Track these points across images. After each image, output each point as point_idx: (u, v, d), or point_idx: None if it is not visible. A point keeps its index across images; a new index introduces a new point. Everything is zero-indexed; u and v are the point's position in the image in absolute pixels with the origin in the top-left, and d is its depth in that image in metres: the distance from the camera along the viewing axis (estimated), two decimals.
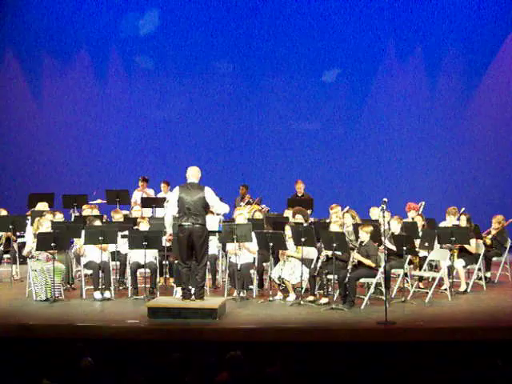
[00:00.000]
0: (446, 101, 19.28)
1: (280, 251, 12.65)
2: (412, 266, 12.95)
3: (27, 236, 13.49)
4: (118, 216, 14.31)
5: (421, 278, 13.24)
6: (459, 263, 13.04)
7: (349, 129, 19.58)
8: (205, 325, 10.68)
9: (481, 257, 13.32)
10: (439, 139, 19.24)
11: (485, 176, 18.86)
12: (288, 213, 14.34)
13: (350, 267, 11.77)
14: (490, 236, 13.94)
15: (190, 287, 11.26)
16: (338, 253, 11.89)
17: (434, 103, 19.31)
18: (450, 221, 13.84)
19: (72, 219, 15.13)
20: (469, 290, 13.08)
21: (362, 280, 12.14)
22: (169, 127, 19.80)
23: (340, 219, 13.46)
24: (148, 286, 12.79)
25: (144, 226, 13.13)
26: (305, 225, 13.06)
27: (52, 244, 12.12)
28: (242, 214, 13.41)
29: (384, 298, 11.41)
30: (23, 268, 13.89)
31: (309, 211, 14.77)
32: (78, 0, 19.78)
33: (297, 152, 19.48)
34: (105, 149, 19.68)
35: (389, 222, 12.55)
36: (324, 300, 12.14)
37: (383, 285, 11.95)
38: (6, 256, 14.61)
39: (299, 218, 13.39)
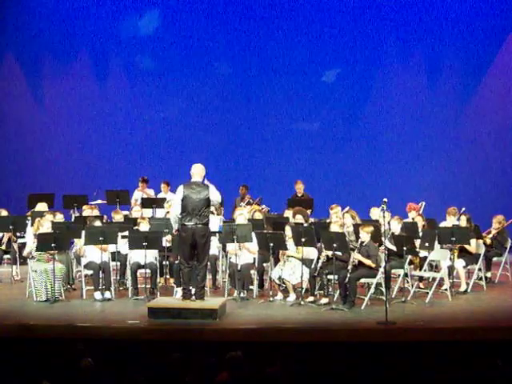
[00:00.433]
0: (446, 101, 19.26)
1: (280, 251, 12.65)
2: (412, 266, 12.95)
3: (27, 236, 13.50)
4: (118, 217, 14.32)
5: (421, 278, 13.25)
6: (459, 263, 13.05)
7: (349, 129, 19.56)
8: (205, 325, 10.68)
9: (481, 257, 13.33)
10: (439, 139, 19.23)
11: (485, 176, 18.85)
12: (288, 213, 14.33)
13: (350, 267, 11.77)
14: (490, 236, 13.94)
15: (191, 287, 11.25)
16: (339, 253, 11.89)
17: (435, 103, 19.30)
18: (450, 221, 13.84)
19: (72, 220, 15.13)
20: (469, 290, 13.09)
21: (363, 280, 12.15)
22: (169, 127, 19.79)
23: (340, 219, 13.46)
24: (148, 286, 12.79)
25: (144, 227, 13.14)
26: (305, 225, 13.05)
27: (52, 244, 12.12)
28: (243, 215, 13.42)
29: (384, 298, 11.41)
30: (23, 268, 13.89)
31: (309, 211, 14.77)
32: (78, 1, 19.76)
33: (297, 152, 19.46)
34: (105, 149, 19.67)
35: (389, 223, 12.55)
36: (324, 300, 12.14)
37: (383, 285, 11.95)
38: (6, 256, 14.61)
39: (299, 219, 13.39)
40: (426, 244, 12.74)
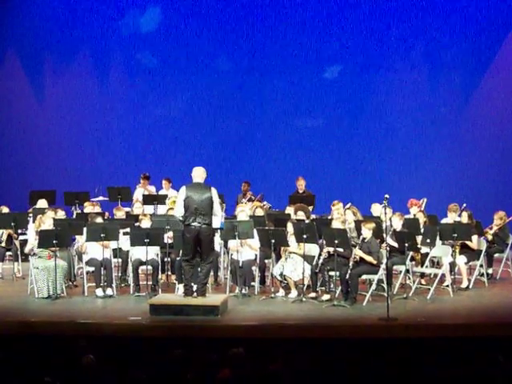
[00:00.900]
0: (448, 97, 19.24)
1: (282, 248, 12.66)
2: (414, 262, 12.96)
3: (29, 233, 13.50)
4: (120, 213, 14.33)
5: (423, 275, 13.24)
6: (461, 259, 13.05)
7: (350, 125, 19.54)
8: (207, 322, 10.69)
9: (482, 253, 13.32)
10: (441, 135, 19.20)
11: (487, 173, 18.82)
12: (290, 209, 14.32)
13: (351, 264, 11.78)
14: (491, 231, 13.93)
15: (193, 284, 11.26)
16: (340, 249, 11.89)
17: (436, 99, 19.27)
18: (451, 218, 13.84)
19: (74, 216, 15.14)
20: (471, 287, 13.09)
21: (364, 276, 12.13)
22: (170, 124, 19.77)
23: (342, 216, 13.45)
24: (150, 283, 12.79)
25: (146, 223, 13.14)
26: (306, 221, 13.05)
27: (54, 241, 12.12)
28: (244, 211, 13.42)
29: (386, 294, 11.39)
30: (25, 265, 13.90)
31: (310, 208, 14.77)
32: None
33: (298, 149, 19.44)
34: (106, 146, 19.66)
35: (390, 219, 12.55)
36: (326, 296, 12.15)
37: (385, 281, 11.95)
38: (7, 253, 14.61)
39: (301, 215, 13.38)
40: (428, 240, 12.75)
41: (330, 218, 13.81)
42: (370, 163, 19.26)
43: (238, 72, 19.69)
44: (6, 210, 14.90)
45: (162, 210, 15.42)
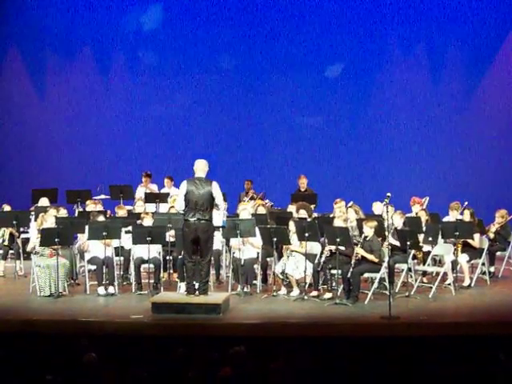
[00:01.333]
0: (450, 95, 19.24)
1: (284, 246, 12.65)
2: (416, 260, 12.95)
3: (31, 232, 13.52)
4: (122, 212, 14.34)
5: (424, 273, 13.23)
6: (463, 258, 13.04)
7: (352, 124, 19.54)
8: (208, 320, 10.70)
9: (484, 251, 13.32)
10: (442, 134, 19.20)
11: (488, 171, 18.82)
12: (292, 208, 14.32)
13: (353, 262, 11.77)
14: (493, 229, 13.92)
15: (194, 282, 11.26)
16: (342, 248, 11.89)
17: (438, 98, 19.27)
18: (452, 216, 13.83)
19: (76, 215, 15.15)
20: (472, 285, 13.09)
21: (366, 275, 12.13)
22: (172, 122, 19.77)
23: (344, 214, 13.44)
24: (152, 281, 12.77)
25: (148, 222, 13.14)
26: (308, 220, 13.05)
27: (56, 239, 12.12)
28: (246, 209, 13.42)
29: (388, 292, 11.40)
30: (27, 263, 13.92)
31: (312, 206, 14.77)
32: None
33: (300, 147, 19.44)
34: (108, 144, 19.67)
35: (392, 217, 12.54)
36: (328, 295, 12.14)
37: (387, 280, 11.96)
38: (10, 251, 14.62)
39: (303, 213, 13.37)
40: (430, 238, 12.73)
41: (331, 216, 13.80)
42: (372, 162, 19.26)
43: (240, 70, 19.69)
44: (8, 208, 14.94)
45: (163, 208, 15.43)
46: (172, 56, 19.73)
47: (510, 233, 14.08)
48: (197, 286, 11.23)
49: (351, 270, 11.70)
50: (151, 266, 12.81)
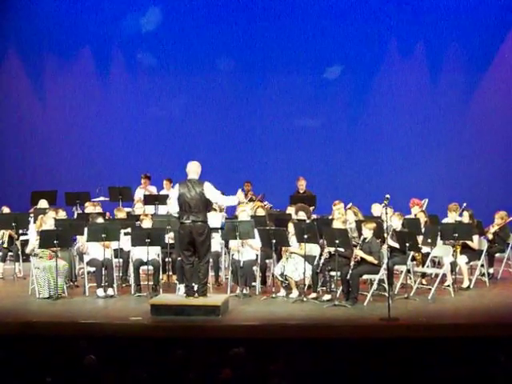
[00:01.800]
0: (449, 97, 19.25)
1: (283, 248, 12.66)
2: (415, 262, 12.96)
3: (30, 233, 13.52)
4: (121, 215, 14.33)
5: (424, 275, 13.24)
6: (462, 259, 13.05)
7: (351, 125, 19.55)
8: (208, 322, 10.69)
9: (483, 253, 13.32)
10: (442, 135, 19.20)
11: (488, 172, 18.83)
12: (291, 210, 14.33)
13: (352, 264, 11.78)
14: (492, 231, 13.93)
15: (193, 284, 11.26)
16: (341, 249, 11.89)
17: (437, 99, 19.28)
18: (451, 217, 13.84)
19: (75, 217, 15.16)
20: (471, 286, 13.10)
21: (365, 276, 12.13)
22: (171, 124, 19.77)
23: (343, 216, 13.45)
24: (151, 283, 12.77)
25: (147, 223, 13.14)
26: (307, 221, 13.05)
27: (55, 241, 12.13)
28: (245, 211, 13.42)
29: (387, 294, 11.40)
30: (26, 265, 13.92)
31: (311, 208, 14.77)
32: None
33: (299, 149, 19.44)
34: (107, 146, 19.65)
35: (390, 219, 12.54)
36: (327, 297, 12.15)
37: (386, 281, 11.96)
38: (9, 253, 14.62)
39: (302, 215, 13.38)
40: (429, 240, 12.75)
41: (330, 218, 13.80)
42: (371, 163, 19.26)
43: (239, 72, 19.70)
44: (7, 210, 14.94)
45: (163, 210, 15.42)
46: (171, 58, 19.73)
47: (509, 234, 14.09)
48: (196, 288, 11.23)
49: (350, 271, 11.71)
50: (150, 267, 12.81)
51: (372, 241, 11.98)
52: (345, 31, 19.27)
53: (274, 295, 12.43)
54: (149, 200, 15.94)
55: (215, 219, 12.93)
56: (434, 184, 18.39)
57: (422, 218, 13.61)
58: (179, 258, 12.25)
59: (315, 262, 12.34)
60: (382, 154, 19.29)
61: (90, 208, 14.78)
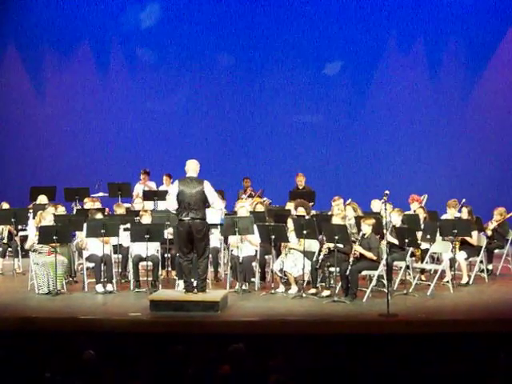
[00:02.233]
0: (448, 93, 19.24)
1: (282, 244, 12.66)
2: (414, 258, 12.96)
3: (29, 229, 13.51)
4: (120, 210, 14.32)
5: (423, 271, 13.25)
6: (461, 255, 13.05)
7: (351, 121, 19.54)
8: (207, 317, 10.70)
9: (483, 249, 13.33)
10: (441, 131, 19.20)
11: (487, 168, 18.82)
12: (290, 205, 14.32)
13: (351, 260, 11.78)
14: (491, 227, 13.92)
15: (192, 280, 11.26)
16: (340, 245, 11.89)
17: (436, 95, 19.27)
18: (450, 213, 13.85)
19: (74, 212, 15.15)
20: (471, 283, 13.10)
21: (364, 272, 12.13)
22: (170, 120, 19.76)
23: (342, 212, 13.45)
24: (150, 278, 12.77)
25: (146, 219, 13.14)
26: (307, 217, 13.05)
27: (54, 237, 12.12)
28: (244, 207, 13.42)
29: (386, 290, 11.39)
30: (25, 261, 13.92)
31: (310, 204, 14.76)
32: None
33: (299, 145, 19.43)
34: (106, 142, 19.65)
35: (390, 215, 12.54)
36: (326, 292, 12.15)
37: (385, 277, 11.95)
38: (8, 249, 14.61)
39: (301, 211, 13.38)
40: (428, 236, 12.75)
41: (330, 213, 13.81)
42: (370, 159, 19.26)
43: (238, 68, 19.68)
44: (6, 205, 14.93)
45: (162, 205, 15.41)
46: (170, 53, 19.71)
47: (508, 230, 14.09)
48: (195, 284, 11.23)
49: (349, 267, 11.70)
50: (149, 263, 12.81)
51: (371, 237, 11.98)
52: (344, 27, 19.25)
53: (273, 291, 12.42)
54: (148, 196, 15.93)
55: (214, 215, 12.92)
56: (433, 180, 18.40)
57: (422, 214, 13.61)
58: (178, 254, 12.25)
59: (314, 258, 12.34)
60: (382, 149, 19.29)
61: (89, 204, 14.77)
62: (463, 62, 19.16)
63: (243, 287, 12.50)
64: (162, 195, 15.68)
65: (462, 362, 8.16)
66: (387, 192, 11.51)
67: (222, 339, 9.17)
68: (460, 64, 19.18)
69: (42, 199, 15.23)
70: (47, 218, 12.70)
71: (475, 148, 19.03)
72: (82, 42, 19.72)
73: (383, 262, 11.84)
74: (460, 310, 11.38)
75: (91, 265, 12.73)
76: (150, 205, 15.65)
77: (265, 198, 16.07)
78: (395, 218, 12.70)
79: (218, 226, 13.03)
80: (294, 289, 12.44)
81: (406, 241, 12.10)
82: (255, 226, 12.55)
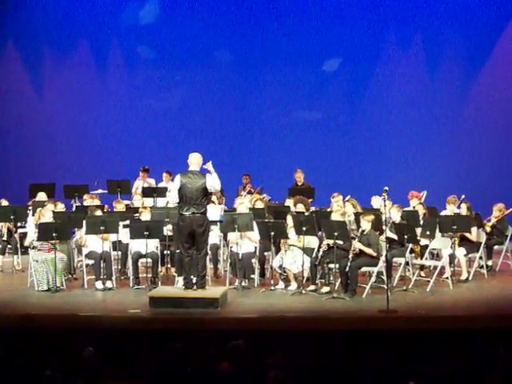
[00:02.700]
0: (447, 89, 19.23)
1: (281, 240, 12.65)
2: (413, 254, 12.95)
3: (29, 226, 13.50)
4: (119, 206, 14.33)
5: (422, 267, 13.24)
6: (460, 252, 13.05)
7: (350, 118, 19.54)
8: (206, 314, 10.69)
9: (482, 245, 13.33)
10: (440, 128, 19.19)
11: (486, 165, 18.81)
12: (289, 202, 14.32)
13: (351, 256, 11.77)
14: (490, 223, 13.93)
15: (192, 277, 11.25)
16: (340, 242, 11.88)
17: (435, 91, 19.27)
18: (450, 210, 13.85)
19: (73, 209, 15.15)
20: (470, 279, 13.11)
21: (364, 269, 12.12)
22: (169, 117, 19.76)
23: (341, 208, 13.45)
24: (149, 275, 12.78)
25: (145, 216, 13.13)
26: (306, 214, 13.04)
27: (53, 234, 12.12)
28: (244, 204, 13.42)
29: (385, 286, 11.41)
30: (25, 258, 13.91)
31: (310, 200, 14.76)
32: None
33: (298, 141, 19.43)
34: (106, 139, 19.64)
35: (389, 211, 12.54)
36: (325, 289, 12.15)
37: (385, 273, 11.95)
38: (7, 246, 14.61)
39: (300, 207, 13.37)
40: (427, 232, 12.75)
41: (329, 210, 13.81)
42: (370, 156, 19.25)
43: (237, 64, 19.68)
44: (5, 202, 14.92)
45: (161, 202, 15.42)
46: (169, 50, 19.69)
47: (508, 226, 14.10)
48: (194, 281, 11.23)
49: (349, 263, 11.70)
50: (149, 260, 12.82)
51: (370, 233, 11.98)
52: (343, 24, 19.24)
53: (272, 287, 12.43)
54: (147, 192, 15.93)
55: (214, 212, 12.95)
56: (432, 176, 18.37)
57: (421, 211, 13.61)
58: (178, 251, 12.25)
59: (314, 255, 12.33)
60: (381, 146, 19.28)
61: (88, 201, 14.77)
62: (462, 58, 19.14)
63: (243, 284, 12.50)
64: (161, 192, 15.71)
65: (462, 358, 8.17)
66: (387, 188, 11.50)
67: (222, 336, 9.17)
68: (459, 60, 19.16)
69: (42, 196, 15.24)
70: (46, 215, 12.70)
71: (474, 144, 19.03)
72: (80, 39, 19.70)
73: (383, 258, 11.84)
74: (459, 306, 11.38)
75: (91, 262, 12.73)
76: (149, 202, 15.64)
77: (264, 195, 16.05)
78: (395, 215, 12.70)
79: (218, 223, 13.03)
80: (293, 285, 12.44)
81: (406, 237, 12.10)
82: (255, 223, 12.55)
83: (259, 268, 13.00)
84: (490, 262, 13.97)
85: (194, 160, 11.33)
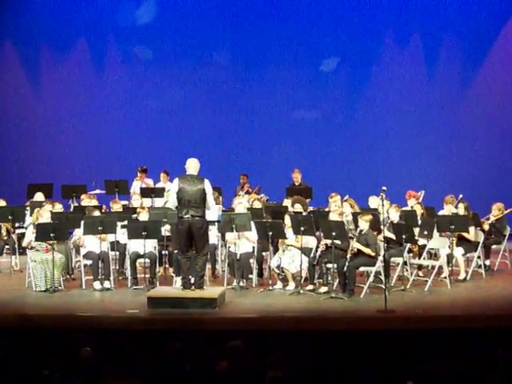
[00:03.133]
0: (445, 88, 19.24)
1: (279, 240, 12.65)
2: (411, 254, 12.95)
3: (27, 227, 13.50)
4: (116, 206, 14.31)
5: (420, 267, 13.25)
6: (458, 251, 13.06)
7: (348, 117, 19.55)
8: (204, 314, 10.69)
9: (480, 245, 13.34)
10: (438, 127, 19.20)
11: (484, 165, 18.83)
12: (287, 202, 14.33)
13: (349, 256, 11.77)
14: (488, 221, 13.93)
15: (190, 277, 11.25)
16: (338, 242, 11.88)
17: (433, 91, 19.28)
18: (447, 209, 13.85)
19: (71, 209, 15.14)
20: (468, 278, 13.11)
21: (362, 268, 12.12)
22: (167, 117, 19.76)
23: (339, 208, 13.45)
24: (147, 275, 12.76)
25: (143, 216, 13.12)
26: (304, 214, 13.04)
27: (51, 234, 12.11)
28: (242, 204, 13.41)
29: (383, 286, 11.41)
30: (23, 259, 13.91)
31: (308, 200, 14.76)
32: None
33: (296, 141, 19.44)
34: (103, 139, 19.64)
35: (387, 211, 12.56)
36: (323, 289, 12.14)
37: (383, 273, 11.95)
38: (5, 247, 14.60)
39: (298, 207, 13.36)
40: (425, 232, 12.74)
41: (327, 210, 13.80)
42: (368, 155, 19.27)
43: (235, 64, 19.69)
44: (3, 203, 14.91)
45: (159, 202, 15.41)
46: (166, 50, 19.71)
47: (506, 226, 14.12)
48: (193, 281, 11.23)
49: (347, 263, 11.70)
50: (147, 260, 12.80)
51: (368, 233, 11.98)
52: (341, 23, 19.26)
53: (270, 287, 12.42)
54: (145, 193, 15.92)
55: (212, 212, 12.91)
56: (430, 176, 18.39)
57: (419, 210, 13.61)
58: (176, 251, 12.24)
59: (312, 255, 12.33)
60: (379, 146, 19.30)
61: (86, 201, 14.75)
62: (460, 57, 19.16)
63: (241, 284, 12.49)
64: (159, 192, 15.70)
65: (460, 358, 8.17)
66: (384, 188, 11.50)
67: (220, 336, 9.17)
68: (457, 59, 19.18)
69: (39, 196, 15.23)
70: (44, 216, 12.69)
71: (472, 144, 19.05)
72: (78, 38, 19.71)
73: (381, 258, 11.85)
74: (457, 306, 11.38)
75: (88, 262, 12.71)
76: (147, 202, 15.63)
77: (262, 195, 16.05)
78: (393, 214, 12.69)
79: (216, 223, 13.02)
80: (291, 285, 12.44)
81: (404, 237, 12.10)
82: (252, 223, 12.55)
83: (257, 268, 13.00)
84: (487, 262, 13.98)
85: (192, 165, 11.36)
